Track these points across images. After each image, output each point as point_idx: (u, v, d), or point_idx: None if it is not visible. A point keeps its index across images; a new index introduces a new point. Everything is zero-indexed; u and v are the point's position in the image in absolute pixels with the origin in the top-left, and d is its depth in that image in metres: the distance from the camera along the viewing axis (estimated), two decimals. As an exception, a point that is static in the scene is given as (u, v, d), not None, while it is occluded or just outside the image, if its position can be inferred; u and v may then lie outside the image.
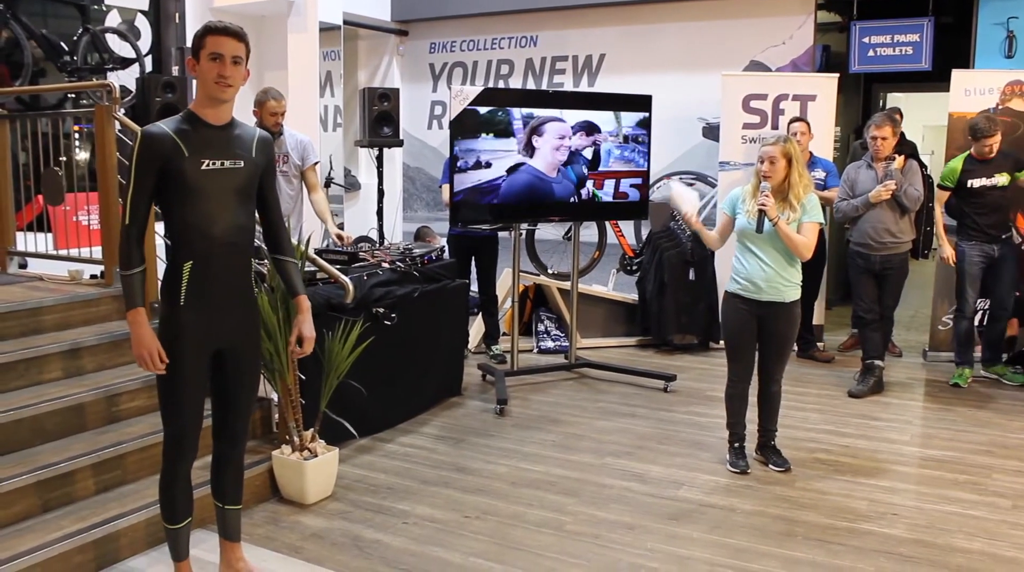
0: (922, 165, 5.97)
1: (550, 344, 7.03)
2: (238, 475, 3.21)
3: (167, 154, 2.75)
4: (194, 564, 3.20)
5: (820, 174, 6.34)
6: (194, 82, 2.89)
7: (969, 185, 5.67)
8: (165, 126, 2.80)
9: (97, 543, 3.32)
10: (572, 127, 5.69)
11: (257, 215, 3.07)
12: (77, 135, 6.52)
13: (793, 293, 4.28)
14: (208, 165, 2.81)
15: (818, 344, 6.82)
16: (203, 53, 2.78)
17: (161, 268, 3.02)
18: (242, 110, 5.72)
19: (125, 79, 6.81)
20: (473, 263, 6.56)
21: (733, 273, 4.36)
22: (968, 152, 5.76)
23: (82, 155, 6.58)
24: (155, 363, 2.81)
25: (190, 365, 2.87)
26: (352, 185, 8.81)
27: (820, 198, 6.02)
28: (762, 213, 4.12)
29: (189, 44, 2.90)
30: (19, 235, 5.41)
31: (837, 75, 6.90)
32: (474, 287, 6.61)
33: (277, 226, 3.12)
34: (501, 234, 6.53)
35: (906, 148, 6.00)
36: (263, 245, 3.99)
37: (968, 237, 5.77)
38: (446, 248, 6.14)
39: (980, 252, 5.73)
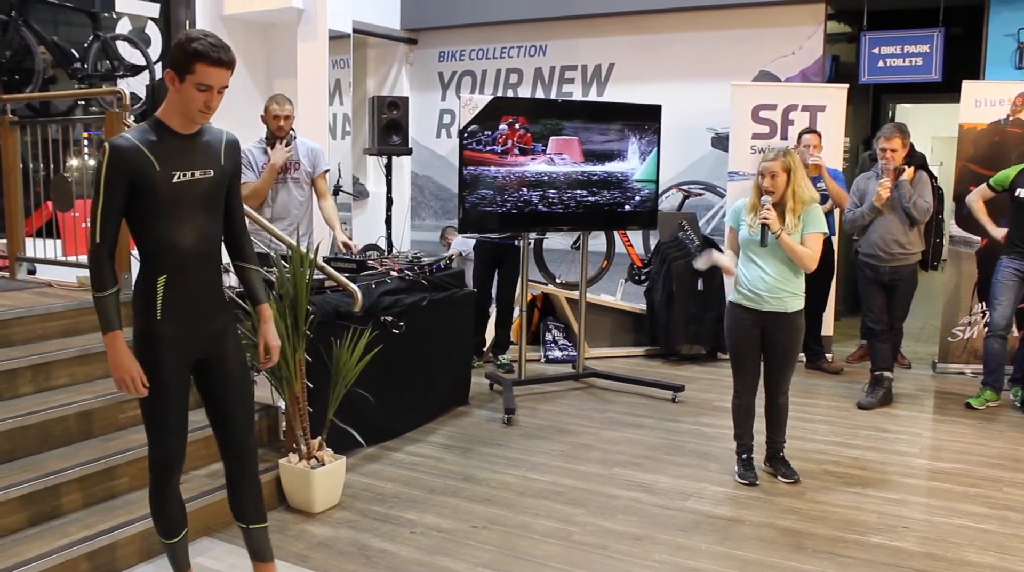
0: (932, 176, 5.94)
1: (558, 354, 7.02)
2: (255, 492, 3.07)
3: (137, 168, 2.65)
4: (200, 572, 3.19)
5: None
6: (168, 90, 2.78)
7: (1017, 194, 5.54)
8: (133, 138, 2.68)
9: (103, 550, 3.30)
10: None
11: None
12: (87, 142, 6.54)
13: (796, 303, 4.25)
14: (179, 177, 2.73)
15: (826, 355, 6.79)
16: (190, 79, 2.64)
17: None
18: (245, 113, 5.74)
19: (135, 86, 6.84)
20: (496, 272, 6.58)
21: (736, 283, 4.35)
22: None
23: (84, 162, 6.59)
24: (137, 387, 2.74)
25: (172, 379, 2.80)
26: (360, 193, 8.82)
27: (832, 192, 6.06)
28: (764, 226, 4.11)
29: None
30: (28, 241, 5.42)
31: (847, 86, 6.89)
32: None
33: (241, 232, 3.02)
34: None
35: (915, 159, 5.96)
36: (272, 253, 4.01)
37: (1009, 250, 5.61)
38: (455, 257, 6.14)
39: (1017, 268, 5.54)
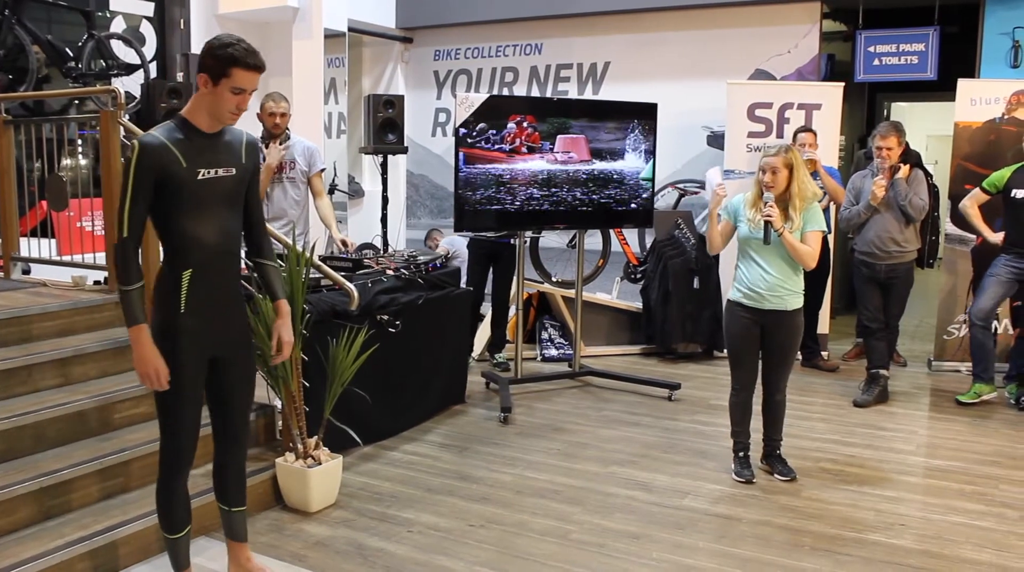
0: (927, 174, 5.95)
1: (554, 352, 7.01)
2: (240, 477, 3.22)
3: (165, 165, 2.74)
4: (197, 572, 3.18)
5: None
6: (196, 91, 2.85)
7: (1013, 194, 5.54)
8: (160, 135, 2.77)
9: (99, 551, 3.29)
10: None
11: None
12: (81, 141, 6.52)
13: (796, 301, 4.26)
14: (204, 174, 2.82)
15: (822, 353, 6.80)
16: (225, 82, 2.75)
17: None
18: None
19: (130, 85, 6.83)
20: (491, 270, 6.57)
21: (735, 281, 4.35)
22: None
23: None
24: (160, 381, 2.79)
25: (191, 373, 2.87)
26: (356, 192, 8.80)
27: (829, 187, 6.07)
28: (768, 224, 4.11)
29: (196, 51, 2.87)
30: (22, 240, 5.40)
31: (842, 84, 6.89)
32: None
33: (260, 230, 3.12)
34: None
35: (911, 158, 5.98)
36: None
37: (1007, 249, 5.61)
38: (451, 253, 6.13)
39: (1015, 269, 5.54)
